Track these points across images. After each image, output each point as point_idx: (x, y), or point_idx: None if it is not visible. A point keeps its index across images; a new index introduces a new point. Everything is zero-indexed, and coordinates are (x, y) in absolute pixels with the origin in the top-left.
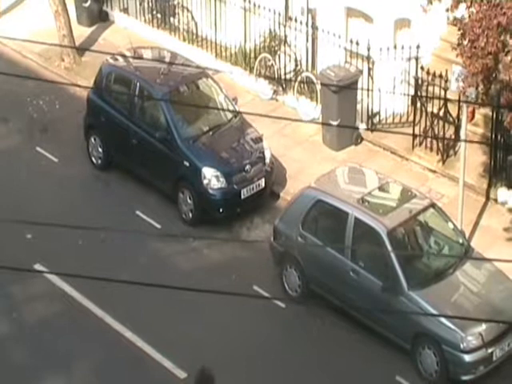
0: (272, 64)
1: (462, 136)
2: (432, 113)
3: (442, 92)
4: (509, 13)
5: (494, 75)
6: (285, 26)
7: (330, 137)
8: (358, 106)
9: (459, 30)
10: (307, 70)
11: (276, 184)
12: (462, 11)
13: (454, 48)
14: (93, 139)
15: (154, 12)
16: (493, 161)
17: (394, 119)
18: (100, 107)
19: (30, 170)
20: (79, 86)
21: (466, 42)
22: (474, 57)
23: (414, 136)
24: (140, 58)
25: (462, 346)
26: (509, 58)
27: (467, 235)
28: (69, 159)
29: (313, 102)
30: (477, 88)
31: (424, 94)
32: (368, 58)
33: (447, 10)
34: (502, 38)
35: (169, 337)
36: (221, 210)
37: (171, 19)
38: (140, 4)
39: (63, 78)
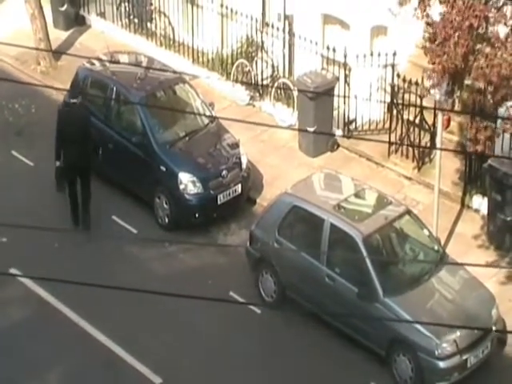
0: (249, 70)
1: (438, 143)
2: (408, 120)
3: (418, 99)
4: (481, 16)
5: (464, 80)
6: (262, 32)
7: (306, 143)
8: (335, 113)
9: (430, 27)
10: (284, 76)
11: (252, 190)
12: (433, 15)
13: (424, 47)
14: None
15: (131, 17)
16: (468, 168)
17: (370, 126)
18: None
19: (5, 173)
20: (56, 88)
21: (436, 42)
22: (444, 56)
23: (390, 143)
24: (117, 62)
25: (436, 352)
26: (481, 61)
27: (442, 242)
28: (44, 163)
29: (289, 108)
30: (452, 94)
31: (400, 101)
32: (344, 64)
33: (415, 9)
34: (473, 40)
35: (144, 342)
36: (197, 216)
37: (148, 24)
38: (117, 8)
39: (39, 81)
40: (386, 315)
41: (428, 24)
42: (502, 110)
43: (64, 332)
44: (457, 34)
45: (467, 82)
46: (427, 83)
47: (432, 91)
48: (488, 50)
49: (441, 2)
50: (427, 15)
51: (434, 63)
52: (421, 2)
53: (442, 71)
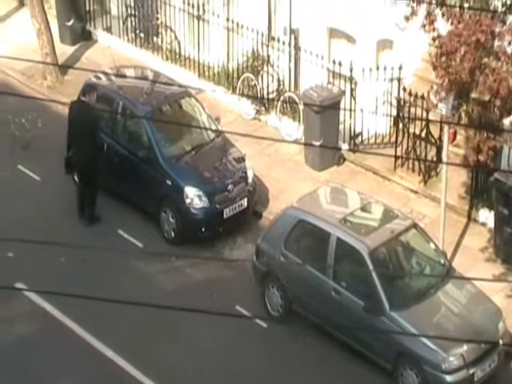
0: (255, 84)
1: (444, 157)
2: (414, 134)
3: (424, 113)
4: (488, 30)
5: (469, 94)
6: (268, 46)
7: (312, 157)
8: (341, 127)
9: (437, 41)
10: (290, 90)
11: (258, 204)
12: (440, 28)
13: (434, 65)
14: None
15: (138, 31)
16: (474, 182)
17: (376, 140)
18: None
19: (11, 188)
20: (62, 102)
21: (443, 55)
22: (450, 69)
23: (396, 157)
24: (123, 76)
25: (443, 366)
26: (488, 76)
27: (448, 256)
28: (51, 178)
29: (295, 122)
30: (459, 108)
31: (406, 114)
32: (350, 78)
33: (423, 26)
34: (480, 55)
35: (150, 356)
36: (203, 230)
37: (154, 38)
38: (123, 23)
39: (46, 96)
40: (393, 329)
41: (434, 39)
42: (506, 122)
43: (70, 346)
44: (463, 48)
45: (473, 95)
46: (434, 99)
47: (439, 105)
48: (494, 64)
49: (447, 17)
50: (434, 29)
51: (441, 77)
52: (427, 16)
53: (449, 86)
